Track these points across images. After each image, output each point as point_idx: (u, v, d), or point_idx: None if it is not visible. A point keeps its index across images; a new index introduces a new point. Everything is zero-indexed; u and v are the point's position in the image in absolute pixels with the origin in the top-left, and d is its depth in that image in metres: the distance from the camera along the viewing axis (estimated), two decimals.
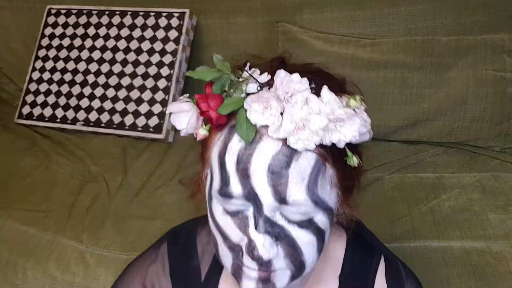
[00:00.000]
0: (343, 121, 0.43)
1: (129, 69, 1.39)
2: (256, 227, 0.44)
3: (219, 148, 0.46)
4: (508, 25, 1.21)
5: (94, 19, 1.46)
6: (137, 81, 1.37)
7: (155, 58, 1.38)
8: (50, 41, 1.49)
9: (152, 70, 1.37)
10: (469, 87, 1.14)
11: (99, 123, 1.38)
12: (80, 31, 1.47)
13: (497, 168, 1.10)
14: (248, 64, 0.47)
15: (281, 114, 0.43)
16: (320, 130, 0.42)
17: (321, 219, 0.46)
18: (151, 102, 1.35)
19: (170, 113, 0.48)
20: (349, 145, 0.45)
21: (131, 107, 1.36)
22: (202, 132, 0.47)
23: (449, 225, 0.93)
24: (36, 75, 1.49)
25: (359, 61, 1.19)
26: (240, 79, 0.45)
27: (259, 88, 0.45)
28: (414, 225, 0.94)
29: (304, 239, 0.46)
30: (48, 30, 1.51)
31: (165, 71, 1.36)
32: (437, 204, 0.99)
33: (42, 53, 1.50)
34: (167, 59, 1.37)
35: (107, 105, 1.38)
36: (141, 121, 1.34)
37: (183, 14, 1.38)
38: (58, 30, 1.50)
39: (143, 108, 1.35)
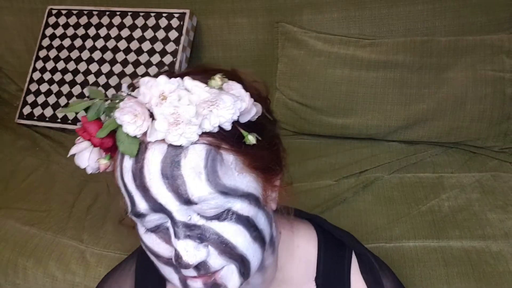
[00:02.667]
0: (214, 102, 0.42)
1: (129, 69, 1.39)
2: (175, 235, 0.43)
3: (118, 172, 0.46)
4: (507, 25, 1.21)
5: (94, 20, 1.47)
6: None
7: (156, 58, 1.38)
8: (51, 41, 1.50)
9: (153, 71, 1.37)
10: (468, 87, 1.14)
11: None
12: (80, 31, 1.47)
13: (497, 168, 1.10)
14: (124, 85, 0.47)
15: (151, 117, 0.42)
16: (193, 119, 0.41)
17: (241, 207, 0.44)
18: None
19: (74, 157, 0.47)
20: (245, 125, 0.44)
21: None
22: (103, 162, 0.47)
23: (449, 225, 0.93)
24: (37, 75, 1.49)
25: (359, 62, 1.20)
26: (117, 101, 0.44)
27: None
28: (414, 225, 0.94)
29: (230, 231, 0.44)
30: (49, 31, 1.51)
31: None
32: (436, 204, 0.99)
33: (43, 53, 1.50)
34: (168, 59, 1.37)
35: None
36: None
37: (183, 15, 1.38)
38: (59, 31, 1.50)
39: None
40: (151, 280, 0.59)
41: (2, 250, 0.99)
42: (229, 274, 0.45)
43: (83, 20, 1.48)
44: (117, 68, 1.40)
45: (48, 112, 1.44)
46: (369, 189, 1.07)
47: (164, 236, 0.45)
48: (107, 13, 1.46)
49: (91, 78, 1.42)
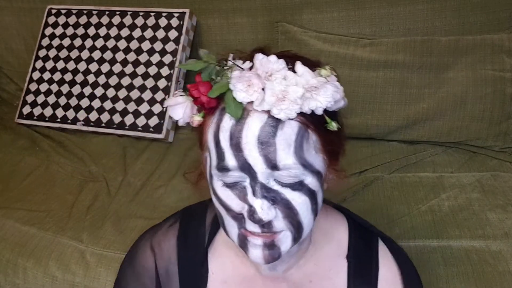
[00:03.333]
0: (317, 89, 0.49)
1: (129, 69, 1.39)
2: (253, 193, 0.50)
3: (213, 129, 0.52)
4: (507, 25, 1.21)
5: (94, 19, 1.47)
6: (137, 81, 1.38)
7: (155, 58, 1.38)
8: (50, 41, 1.50)
9: (152, 70, 1.37)
10: (469, 87, 1.14)
11: (100, 123, 1.38)
12: (80, 31, 1.47)
13: (497, 168, 1.10)
14: (231, 55, 0.53)
15: (263, 90, 0.49)
16: (298, 99, 0.48)
17: (311, 181, 0.52)
18: (151, 102, 1.35)
19: (167, 106, 0.54)
20: (327, 112, 0.51)
21: (131, 107, 1.36)
22: (197, 119, 0.53)
23: (449, 224, 0.93)
24: (36, 75, 1.49)
25: (359, 61, 1.19)
26: (225, 68, 0.51)
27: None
28: (414, 225, 0.94)
29: (298, 200, 0.51)
30: (49, 30, 1.51)
31: (165, 71, 1.36)
32: (436, 203, 0.99)
33: (42, 53, 1.50)
34: (167, 59, 1.37)
35: (107, 105, 1.38)
36: (141, 121, 1.34)
37: (183, 14, 1.38)
38: (59, 30, 1.50)
39: (143, 108, 1.35)
40: (193, 243, 0.65)
41: (2, 250, 0.99)
42: (284, 238, 0.52)
43: (83, 19, 1.48)
44: (117, 68, 1.40)
45: (48, 111, 1.44)
46: (369, 188, 1.07)
47: (238, 193, 0.51)
48: (107, 12, 1.46)
49: (91, 78, 1.42)
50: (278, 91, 0.48)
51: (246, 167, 0.50)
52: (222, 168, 0.51)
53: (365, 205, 1.01)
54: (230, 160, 0.50)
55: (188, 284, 0.63)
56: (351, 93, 1.19)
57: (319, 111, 0.50)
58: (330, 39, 1.24)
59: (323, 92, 0.49)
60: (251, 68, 0.51)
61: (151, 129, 1.33)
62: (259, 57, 0.50)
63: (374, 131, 1.21)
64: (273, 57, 0.49)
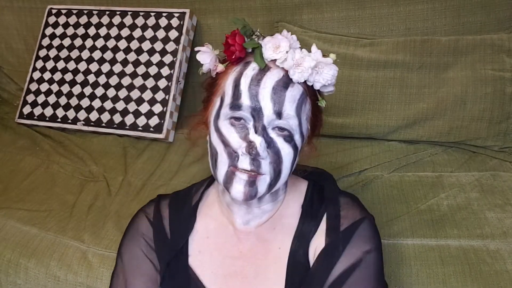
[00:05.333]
0: (323, 67, 0.63)
1: (129, 69, 1.39)
2: (256, 131, 0.61)
3: (235, 75, 0.64)
4: (507, 25, 1.21)
5: (94, 19, 1.47)
6: (138, 81, 1.38)
7: (156, 58, 1.38)
8: (50, 41, 1.50)
9: (153, 70, 1.37)
10: (468, 86, 1.14)
11: (100, 123, 1.38)
12: (80, 31, 1.47)
13: (496, 167, 1.10)
14: (258, 29, 0.67)
15: (286, 53, 0.62)
16: (310, 69, 0.62)
17: (298, 139, 0.65)
18: (152, 102, 1.35)
19: (197, 51, 0.67)
20: (319, 92, 0.66)
21: (132, 107, 1.36)
22: (220, 67, 0.66)
23: (447, 223, 0.93)
24: (37, 75, 1.49)
25: (359, 61, 1.20)
26: (257, 34, 0.66)
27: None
28: (412, 223, 0.94)
29: (286, 151, 0.63)
30: (49, 30, 1.51)
31: (165, 71, 1.36)
32: (435, 202, 0.99)
33: (42, 53, 1.50)
34: (168, 59, 1.37)
35: (108, 105, 1.39)
36: (141, 121, 1.35)
37: (183, 14, 1.38)
38: (59, 30, 1.50)
39: (144, 108, 1.35)
40: (182, 210, 0.76)
41: (3, 250, 0.99)
42: (263, 181, 0.63)
43: (83, 19, 1.48)
44: (117, 68, 1.40)
45: (48, 111, 1.44)
46: (368, 187, 1.07)
47: (239, 131, 0.62)
48: (107, 12, 1.46)
49: (91, 78, 1.42)
50: (298, 57, 0.62)
51: (256, 108, 0.61)
52: (236, 105, 0.62)
53: (365, 204, 1.01)
54: (245, 99, 0.61)
55: (177, 239, 0.73)
56: (351, 93, 1.20)
57: (317, 86, 0.64)
58: (330, 39, 1.24)
59: (327, 70, 0.63)
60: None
61: (151, 129, 1.33)
62: (285, 32, 0.64)
63: (374, 131, 1.21)
64: (294, 36, 0.64)
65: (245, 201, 0.65)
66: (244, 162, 0.61)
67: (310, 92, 0.65)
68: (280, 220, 0.72)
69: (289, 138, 0.63)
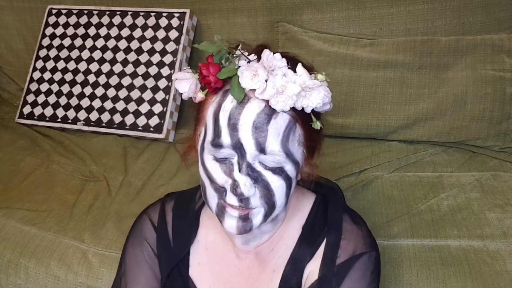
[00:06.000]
0: (311, 90, 0.56)
1: (129, 69, 1.39)
2: (240, 170, 0.56)
3: (214, 107, 0.58)
4: (507, 25, 1.21)
5: (95, 19, 1.47)
6: (138, 81, 1.38)
7: (156, 58, 1.38)
8: (51, 41, 1.50)
9: (153, 70, 1.37)
10: (469, 87, 1.14)
11: (100, 123, 1.38)
12: (80, 31, 1.47)
13: (496, 168, 1.10)
14: (240, 45, 0.60)
15: (266, 81, 0.55)
16: (294, 96, 0.55)
17: (290, 169, 0.59)
18: (152, 102, 1.35)
19: (175, 79, 0.61)
20: (313, 112, 0.58)
21: (132, 106, 1.36)
22: (200, 95, 0.60)
23: (447, 224, 0.93)
24: (37, 75, 1.49)
25: (359, 61, 1.20)
26: (234, 56, 0.58)
27: (248, 62, 0.57)
28: (412, 224, 0.94)
29: (276, 183, 0.58)
30: (49, 30, 1.51)
31: (165, 71, 1.36)
32: (435, 203, 0.99)
33: (43, 53, 1.50)
34: (168, 59, 1.37)
35: (108, 104, 1.39)
36: (141, 121, 1.35)
37: (183, 14, 1.38)
38: (59, 30, 1.50)
39: (144, 107, 1.35)
40: (185, 215, 0.74)
41: (3, 250, 0.99)
42: (257, 213, 0.59)
43: (83, 19, 1.48)
44: (117, 68, 1.40)
45: (48, 111, 1.44)
46: (368, 187, 1.07)
47: (225, 168, 0.58)
48: (107, 12, 1.46)
49: (91, 78, 1.42)
50: (279, 85, 0.54)
51: (238, 146, 0.56)
52: (217, 144, 0.57)
53: (365, 204, 1.02)
54: (225, 138, 0.56)
55: (179, 248, 0.72)
56: (351, 93, 1.20)
57: (308, 110, 0.57)
58: (330, 39, 1.24)
59: (316, 94, 0.56)
60: (258, 60, 0.57)
61: (151, 129, 1.33)
62: (266, 52, 0.56)
63: (374, 131, 1.21)
64: (278, 55, 0.55)
65: (240, 235, 0.62)
66: (232, 199, 0.58)
67: (301, 116, 0.58)
68: (278, 241, 0.69)
69: (279, 170, 0.58)
